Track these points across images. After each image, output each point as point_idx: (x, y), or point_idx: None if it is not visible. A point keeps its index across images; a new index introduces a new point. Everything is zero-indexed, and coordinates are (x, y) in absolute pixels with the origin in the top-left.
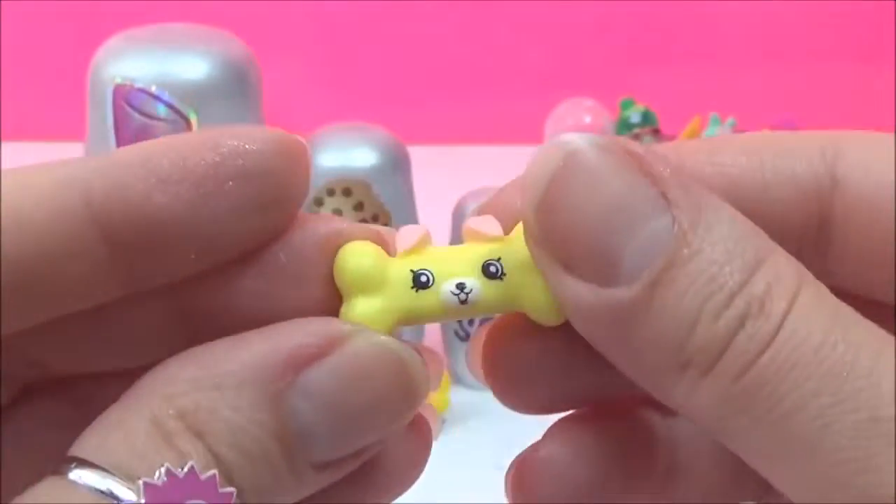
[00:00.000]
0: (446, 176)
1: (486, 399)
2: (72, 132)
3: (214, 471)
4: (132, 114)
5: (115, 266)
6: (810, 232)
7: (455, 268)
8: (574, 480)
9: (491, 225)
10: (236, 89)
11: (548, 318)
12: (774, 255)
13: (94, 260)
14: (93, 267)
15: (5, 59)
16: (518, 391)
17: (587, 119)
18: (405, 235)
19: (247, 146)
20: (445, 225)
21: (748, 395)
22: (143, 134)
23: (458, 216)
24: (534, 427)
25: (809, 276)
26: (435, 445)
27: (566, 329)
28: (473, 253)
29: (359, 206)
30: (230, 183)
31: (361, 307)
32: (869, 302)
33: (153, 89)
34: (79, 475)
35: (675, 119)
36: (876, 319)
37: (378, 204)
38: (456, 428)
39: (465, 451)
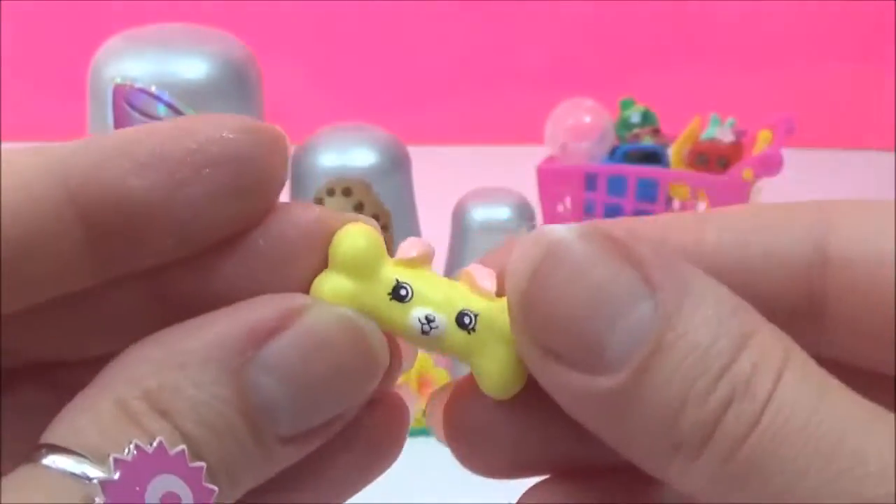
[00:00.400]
0: (446, 176)
1: None
2: (72, 132)
3: (183, 446)
4: (132, 114)
5: (92, 250)
6: (802, 308)
7: (434, 299)
8: None
9: (487, 279)
10: (236, 89)
11: (494, 390)
12: (760, 332)
13: (72, 243)
14: (70, 250)
15: (5, 59)
16: (479, 456)
17: (587, 119)
18: (409, 245)
19: (223, 134)
20: (445, 225)
21: (739, 476)
22: None
23: (458, 216)
24: None
25: (796, 350)
26: (434, 445)
27: (526, 398)
28: (458, 295)
29: (359, 206)
30: (206, 170)
31: (333, 283)
32: (868, 372)
33: (153, 89)
34: (52, 460)
35: (675, 119)
36: (876, 389)
37: (378, 204)
38: None
39: None
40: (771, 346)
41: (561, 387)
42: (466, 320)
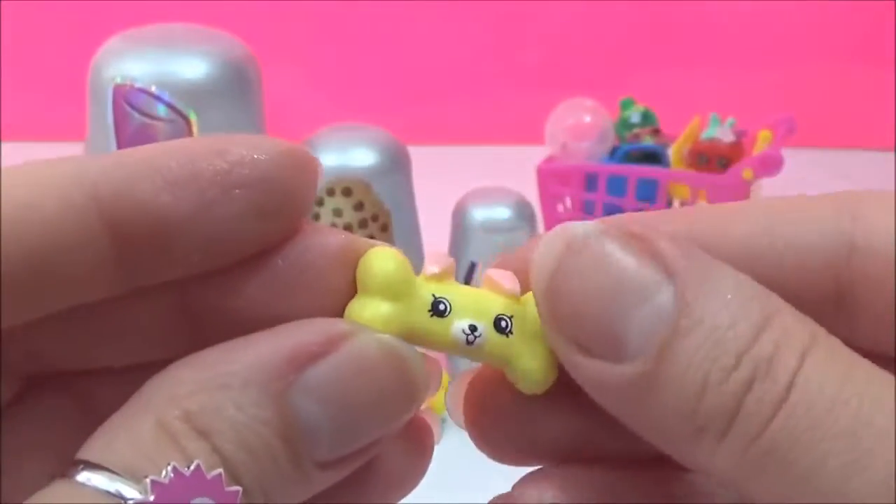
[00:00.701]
0: (446, 176)
1: None
2: (72, 132)
3: (220, 469)
4: (132, 113)
5: (118, 261)
6: (828, 300)
7: (472, 308)
8: None
9: (510, 281)
10: (236, 89)
11: (534, 387)
12: (782, 314)
13: (99, 253)
14: (97, 261)
15: (5, 59)
16: (499, 442)
17: (587, 119)
18: (433, 259)
19: (255, 156)
20: (445, 225)
21: (765, 457)
22: (143, 133)
23: (458, 216)
24: None
25: (822, 332)
26: (439, 447)
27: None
28: (491, 302)
29: (359, 206)
30: (236, 191)
31: (371, 309)
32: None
33: (153, 89)
34: (87, 477)
35: (675, 119)
36: None
37: (378, 204)
38: (456, 428)
39: (465, 451)
40: (794, 327)
41: (588, 377)
42: (504, 324)
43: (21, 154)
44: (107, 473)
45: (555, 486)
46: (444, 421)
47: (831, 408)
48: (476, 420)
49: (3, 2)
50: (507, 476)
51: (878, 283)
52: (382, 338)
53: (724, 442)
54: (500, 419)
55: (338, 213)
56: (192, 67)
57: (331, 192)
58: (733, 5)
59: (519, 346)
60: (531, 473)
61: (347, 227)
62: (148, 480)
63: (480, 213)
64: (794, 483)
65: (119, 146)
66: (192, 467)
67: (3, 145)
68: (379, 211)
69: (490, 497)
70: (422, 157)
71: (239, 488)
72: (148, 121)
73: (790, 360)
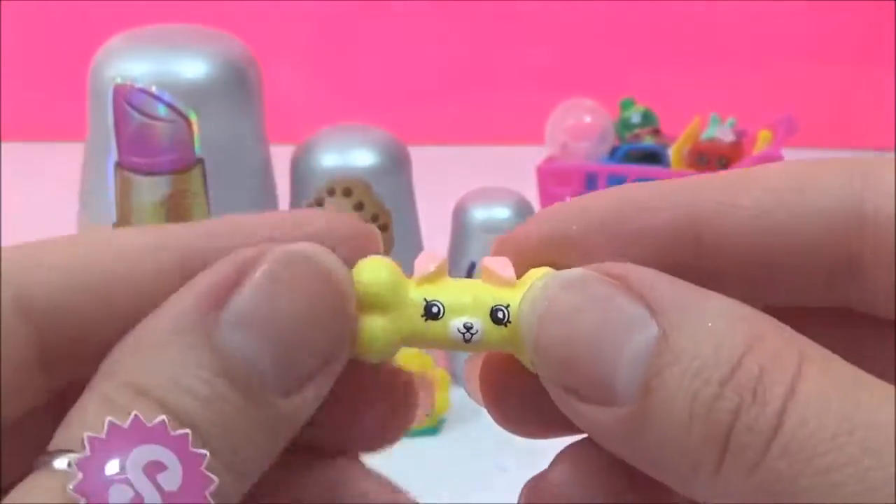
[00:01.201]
0: (446, 176)
1: None
2: (72, 132)
3: (162, 416)
4: (132, 113)
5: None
6: (840, 266)
7: (466, 306)
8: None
9: (505, 268)
10: (237, 89)
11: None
12: (769, 336)
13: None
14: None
15: (5, 59)
16: (517, 417)
17: (587, 119)
18: (424, 261)
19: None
20: (446, 225)
21: (768, 489)
22: (143, 133)
23: (459, 216)
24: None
25: (813, 347)
26: (435, 445)
27: None
28: (485, 294)
29: (359, 206)
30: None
31: (368, 327)
32: None
33: (153, 89)
34: (43, 462)
35: (675, 119)
36: None
37: (378, 204)
38: (456, 428)
39: (465, 451)
40: (782, 347)
41: (583, 420)
42: (500, 314)
43: (21, 154)
44: (64, 455)
45: (586, 462)
46: (443, 421)
47: (836, 434)
48: (493, 397)
49: (3, 2)
50: (508, 476)
51: (887, 247)
52: (293, 248)
53: (720, 476)
54: (517, 395)
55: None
56: (193, 67)
57: (331, 192)
58: (733, 5)
59: (518, 333)
60: (563, 451)
61: None
62: (84, 437)
63: (481, 214)
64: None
65: (119, 146)
66: (129, 419)
67: (3, 145)
68: (379, 211)
69: (490, 497)
70: (422, 157)
71: (187, 430)
72: (148, 121)
73: (779, 385)
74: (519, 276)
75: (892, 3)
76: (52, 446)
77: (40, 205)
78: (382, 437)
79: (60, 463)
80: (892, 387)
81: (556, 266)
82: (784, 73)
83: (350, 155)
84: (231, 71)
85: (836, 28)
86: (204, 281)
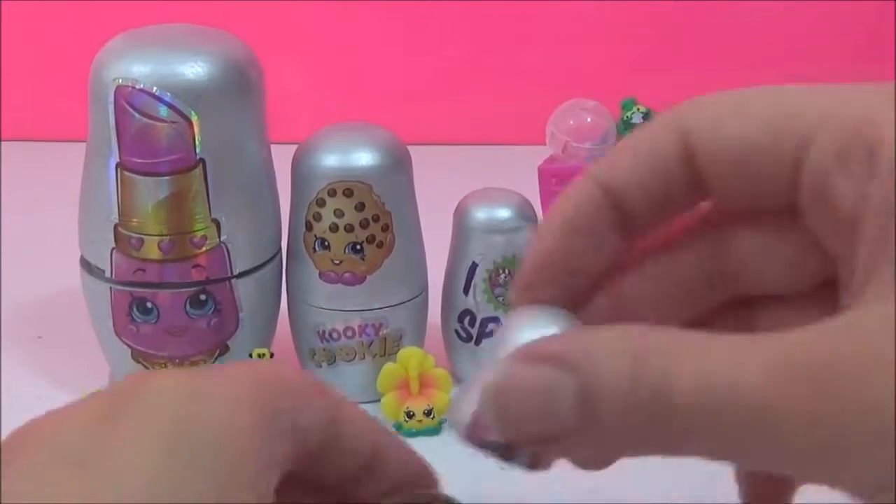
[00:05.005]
0: (447, 176)
1: None
2: (72, 132)
3: None
4: (133, 114)
5: None
6: (693, 184)
7: None
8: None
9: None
10: (238, 90)
11: None
12: (646, 345)
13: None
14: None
15: (5, 59)
16: None
17: (588, 119)
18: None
19: None
20: (446, 225)
21: (681, 434)
22: (144, 134)
23: (460, 217)
24: None
25: (676, 342)
26: (435, 445)
27: None
28: None
29: (360, 207)
30: None
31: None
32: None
33: (154, 90)
34: None
35: None
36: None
37: (379, 204)
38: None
39: (465, 451)
40: (658, 349)
41: (550, 454)
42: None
43: (21, 154)
44: None
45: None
46: (443, 421)
47: (703, 394)
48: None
49: (3, 2)
50: (508, 476)
51: (712, 166)
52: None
53: (654, 440)
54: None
55: (339, 213)
56: (194, 68)
57: (332, 193)
58: (734, 6)
59: None
60: None
61: (349, 228)
62: None
63: (482, 214)
64: (704, 440)
65: (120, 147)
66: None
67: (3, 145)
68: (380, 211)
69: (490, 497)
70: (423, 157)
71: None
72: (149, 122)
73: (663, 371)
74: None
75: (893, 3)
76: None
77: (40, 205)
78: None
79: None
80: (747, 337)
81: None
82: (784, 73)
83: (351, 155)
84: (232, 71)
85: (837, 28)
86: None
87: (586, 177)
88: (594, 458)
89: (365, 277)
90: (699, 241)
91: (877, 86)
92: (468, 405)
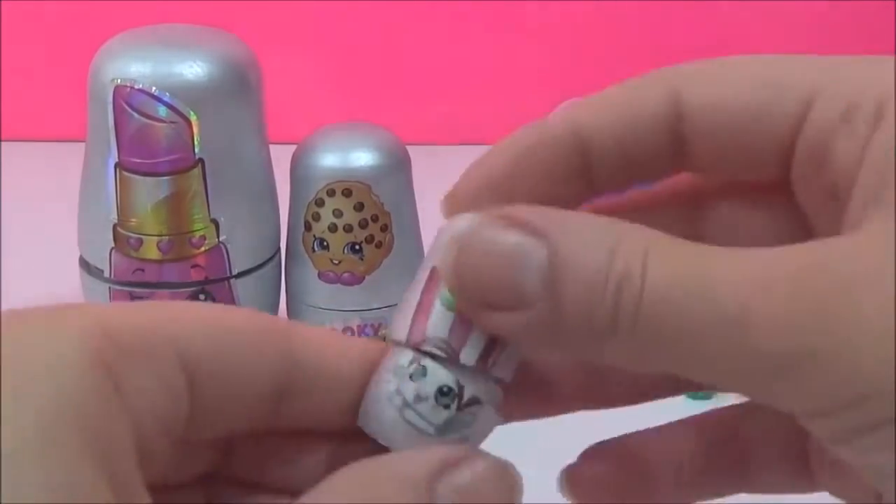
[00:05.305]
0: (446, 176)
1: None
2: (72, 132)
3: None
4: (133, 114)
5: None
6: (674, 149)
7: None
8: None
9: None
10: (237, 89)
11: None
12: (623, 235)
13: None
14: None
15: (5, 59)
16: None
17: None
18: None
19: None
20: None
21: (646, 337)
22: (143, 134)
23: None
24: (535, 428)
25: (657, 235)
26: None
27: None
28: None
29: (359, 207)
30: None
31: None
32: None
33: (153, 90)
34: None
35: None
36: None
37: (378, 204)
38: None
39: None
40: (635, 239)
41: (502, 328)
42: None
43: (21, 154)
44: None
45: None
46: None
47: (685, 293)
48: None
49: (3, 2)
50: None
51: (703, 134)
52: (494, 459)
53: (617, 336)
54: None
55: (338, 213)
56: (193, 68)
57: (331, 193)
58: (734, 6)
59: None
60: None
61: (348, 228)
62: None
63: None
64: (674, 341)
65: (119, 147)
66: None
67: (3, 145)
68: (379, 211)
69: None
70: (422, 157)
71: None
72: (148, 122)
73: (637, 263)
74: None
75: (893, 2)
76: None
77: (40, 205)
78: None
79: None
80: (715, 248)
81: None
82: None
83: (350, 155)
84: (231, 71)
85: (836, 28)
86: (436, 452)
87: (559, 114)
88: (548, 343)
89: (364, 277)
90: (668, 213)
91: (877, 57)
92: (407, 308)
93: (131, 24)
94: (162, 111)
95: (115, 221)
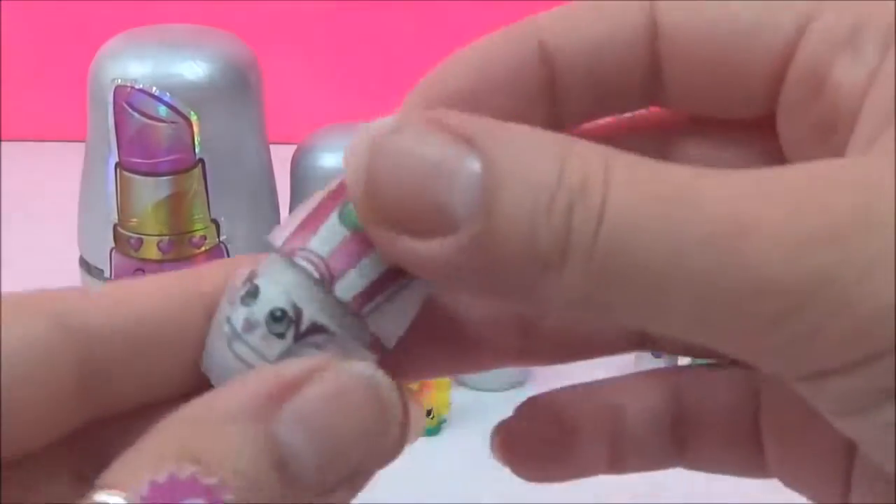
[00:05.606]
0: None
1: (486, 399)
2: (72, 132)
3: (215, 479)
4: (133, 114)
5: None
6: (647, 76)
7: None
8: None
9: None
10: (237, 89)
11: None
12: (576, 146)
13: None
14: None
15: (5, 59)
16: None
17: None
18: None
19: None
20: None
21: (607, 267)
22: (143, 135)
23: None
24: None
25: (617, 151)
26: (435, 445)
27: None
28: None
29: None
30: None
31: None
32: (713, 120)
33: (154, 90)
34: (89, 497)
35: None
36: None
37: None
38: (456, 428)
39: (465, 451)
40: (589, 152)
41: (423, 257)
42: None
43: (21, 154)
44: (112, 493)
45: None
46: (443, 421)
47: (653, 213)
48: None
49: (3, 2)
50: (508, 476)
51: (680, 50)
52: (359, 367)
53: (567, 267)
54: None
55: None
56: (193, 68)
57: None
58: None
59: None
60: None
61: None
62: (146, 479)
63: None
64: (641, 281)
65: (120, 147)
66: (188, 473)
67: (3, 145)
68: None
69: (490, 497)
70: None
71: (231, 496)
72: (149, 122)
73: (597, 177)
74: None
75: (893, 1)
76: (101, 483)
77: (40, 205)
78: None
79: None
80: (679, 166)
81: None
82: None
83: None
84: (231, 71)
85: None
86: (273, 375)
87: (528, 23)
88: (474, 280)
89: None
90: (630, 148)
91: None
92: (300, 213)
93: (131, 24)
94: (162, 111)
95: (116, 221)
